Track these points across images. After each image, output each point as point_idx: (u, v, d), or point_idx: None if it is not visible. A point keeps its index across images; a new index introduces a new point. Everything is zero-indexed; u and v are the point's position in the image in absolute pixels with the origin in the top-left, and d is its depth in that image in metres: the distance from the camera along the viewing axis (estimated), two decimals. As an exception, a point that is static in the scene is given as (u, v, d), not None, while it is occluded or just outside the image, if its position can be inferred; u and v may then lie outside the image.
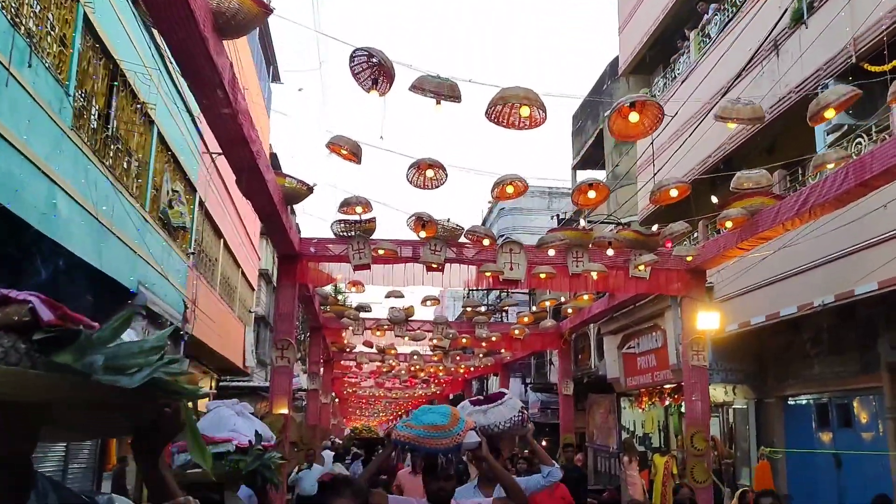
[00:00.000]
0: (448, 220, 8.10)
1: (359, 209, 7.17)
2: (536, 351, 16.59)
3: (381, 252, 7.80)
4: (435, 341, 13.24)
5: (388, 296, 10.25)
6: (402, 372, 20.24)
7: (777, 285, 10.07)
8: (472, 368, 18.69)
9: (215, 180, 16.09)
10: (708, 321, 8.40)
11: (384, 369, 18.98)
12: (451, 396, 31.97)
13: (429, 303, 10.46)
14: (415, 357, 17.85)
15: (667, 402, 13.80)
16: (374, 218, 8.02)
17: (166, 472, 1.57)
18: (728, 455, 13.55)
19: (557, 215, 18.64)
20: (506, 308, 19.30)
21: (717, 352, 11.99)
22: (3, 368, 1.14)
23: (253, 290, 24.26)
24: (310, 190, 7.06)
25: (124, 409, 1.40)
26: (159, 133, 11.76)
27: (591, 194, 6.96)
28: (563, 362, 14.04)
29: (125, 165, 10.51)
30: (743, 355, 11.88)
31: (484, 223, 36.87)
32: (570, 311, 13.76)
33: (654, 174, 10.32)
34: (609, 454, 16.30)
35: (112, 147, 9.96)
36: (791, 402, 11.47)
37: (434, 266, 8.12)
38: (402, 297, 10.18)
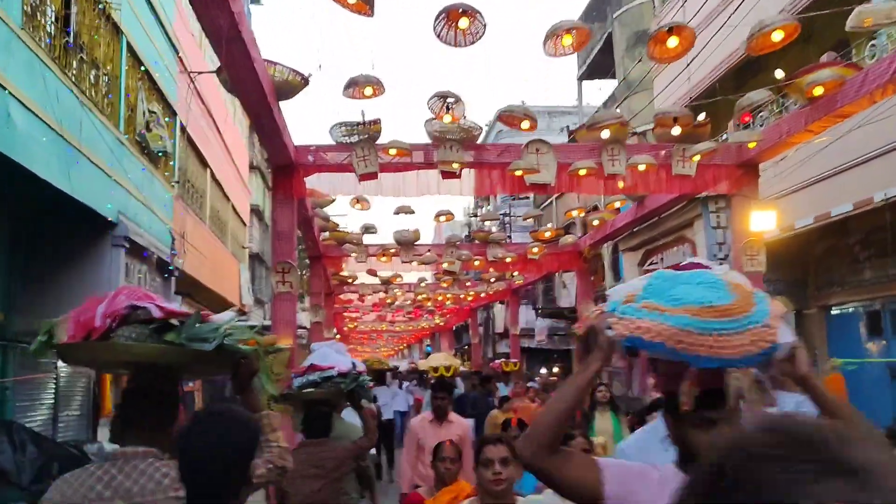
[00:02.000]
0: (464, 118, 7.01)
1: (368, 90, 6.04)
2: (552, 272, 15.65)
3: (391, 153, 6.72)
4: (445, 265, 12.26)
5: (396, 212, 9.20)
6: (407, 302, 19.36)
7: (827, 182, 9.08)
8: (481, 294, 17.78)
9: (196, 104, 14.85)
10: (763, 221, 7.41)
11: (388, 300, 18.07)
12: (454, 328, 31.32)
13: (442, 218, 9.42)
14: (421, 285, 16.92)
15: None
16: (379, 120, 6.92)
17: (252, 395, 2.69)
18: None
19: (567, 127, 17.45)
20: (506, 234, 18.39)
21: (753, 261, 11.07)
22: (139, 344, 2.35)
23: (245, 225, 23.19)
24: (305, 81, 5.95)
25: (214, 361, 2.52)
26: (129, 45, 10.51)
27: (673, 42, 5.78)
28: (584, 282, 13.11)
29: (92, 79, 9.32)
30: (781, 263, 10.95)
31: (481, 149, 35.62)
32: (594, 223, 12.80)
33: (689, 63, 9.17)
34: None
35: (76, 56, 8.76)
36: (835, 312, 10.61)
37: (451, 171, 7.06)
38: (413, 212, 9.15)
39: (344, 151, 7.09)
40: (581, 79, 19.19)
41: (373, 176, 7.10)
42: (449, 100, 6.36)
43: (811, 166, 8.96)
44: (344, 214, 16.45)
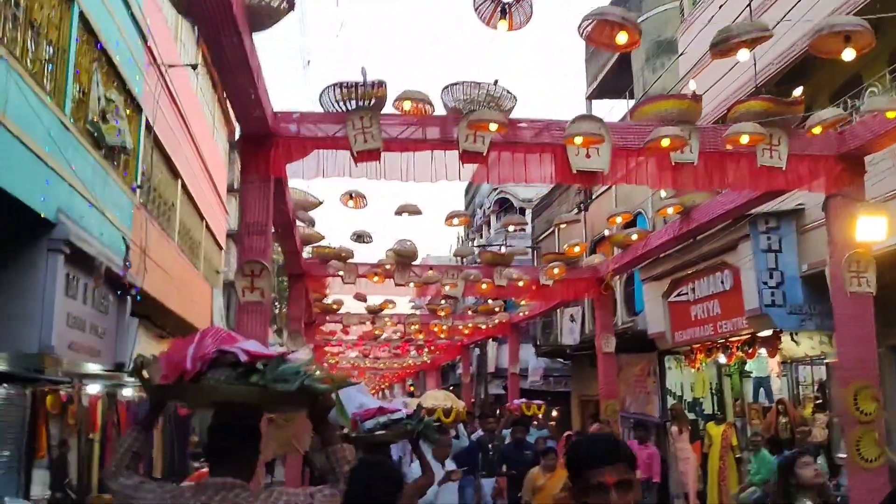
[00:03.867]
0: (496, 83, 5.40)
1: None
2: (566, 302, 13.94)
3: (406, 107, 5.05)
4: (447, 288, 10.55)
5: (399, 212, 7.49)
6: (396, 335, 17.57)
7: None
8: (482, 326, 16.02)
9: (168, 105, 13.19)
10: (871, 229, 5.79)
11: (375, 332, 16.28)
12: (441, 366, 29.44)
13: (456, 220, 7.70)
14: (416, 313, 15.18)
15: (735, 359, 11.27)
16: (385, 83, 5.27)
17: (330, 429, 2.96)
18: (802, 421, 11.10)
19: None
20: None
21: (810, 291, 9.47)
22: (228, 387, 2.60)
23: (221, 249, 21.36)
24: (290, 6, 4.33)
25: (294, 400, 2.81)
26: (82, 15, 8.85)
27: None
28: (603, 313, 11.43)
29: (31, 44, 7.65)
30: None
31: (468, 188, 34.13)
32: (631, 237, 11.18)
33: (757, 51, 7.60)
34: (643, 425, 13.78)
35: (7, 7, 7.08)
36: (907, 353, 8.99)
37: (476, 150, 5.45)
38: (419, 212, 7.44)
39: (336, 123, 5.43)
40: (590, 98, 17.77)
41: (374, 156, 5.43)
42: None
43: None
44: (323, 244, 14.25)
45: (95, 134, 9.57)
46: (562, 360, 22.89)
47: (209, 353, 2.62)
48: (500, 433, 10.74)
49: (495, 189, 29.25)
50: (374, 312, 15.51)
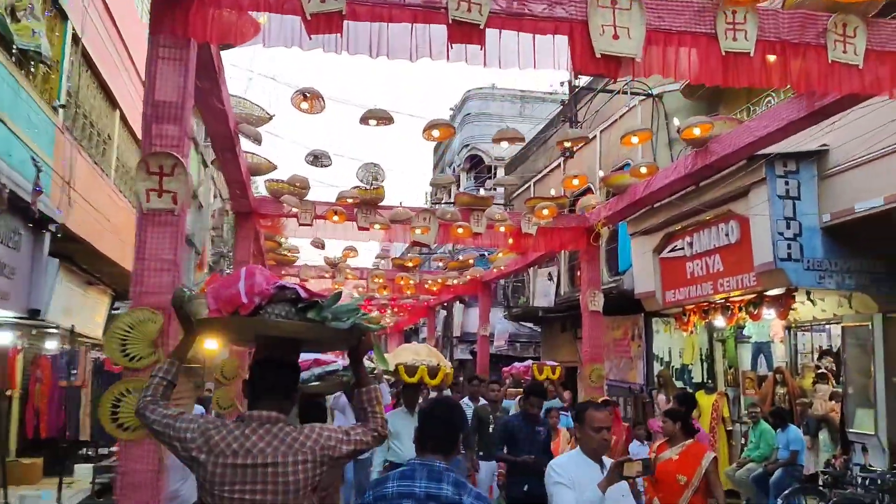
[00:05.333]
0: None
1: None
2: (545, 257, 12.67)
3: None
4: (418, 232, 9.19)
5: (364, 119, 5.92)
6: (357, 292, 16.19)
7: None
8: (451, 283, 14.71)
9: (104, 20, 11.51)
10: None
11: (335, 286, 14.87)
12: (404, 330, 28.17)
13: (436, 133, 6.21)
14: (377, 270, 13.83)
15: (735, 321, 10.15)
16: None
17: (363, 369, 3.01)
18: (802, 393, 10.07)
19: (570, 82, 14.61)
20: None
21: (831, 245, 8.35)
22: (286, 321, 2.74)
23: (170, 196, 19.70)
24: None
25: (344, 337, 2.90)
26: None
27: None
28: (591, 267, 10.16)
29: None
30: (869, 250, 8.27)
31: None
32: (591, 202, 9.88)
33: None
34: (631, 393, 12.70)
35: None
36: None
37: (473, 22, 4.09)
38: (390, 121, 5.93)
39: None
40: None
41: (334, 23, 4.02)
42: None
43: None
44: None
45: (2, 32, 7.98)
46: (531, 325, 21.82)
47: (268, 289, 2.73)
48: (501, 404, 8.80)
49: (466, 146, 27.86)
50: (334, 265, 14.13)
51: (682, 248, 10.57)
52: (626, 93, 12.36)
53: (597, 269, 10.35)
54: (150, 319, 3.73)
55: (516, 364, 10.89)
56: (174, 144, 3.88)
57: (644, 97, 12.35)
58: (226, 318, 2.75)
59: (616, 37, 4.29)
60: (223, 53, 5.28)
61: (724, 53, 4.41)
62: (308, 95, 5.63)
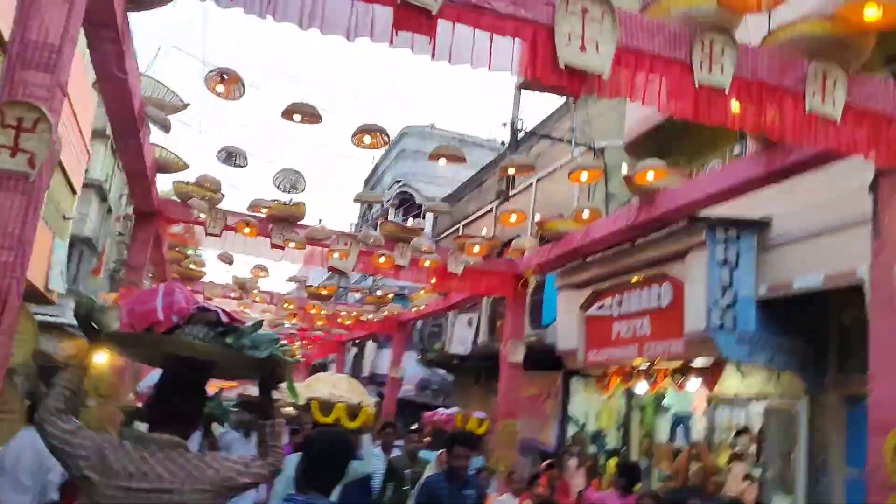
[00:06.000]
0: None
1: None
2: (467, 301, 12.10)
3: None
4: (335, 256, 8.48)
5: (287, 114, 5.21)
6: (265, 317, 15.23)
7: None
8: (366, 319, 13.93)
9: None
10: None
11: (242, 308, 13.91)
12: (311, 364, 27.01)
13: (367, 139, 5.55)
14: (289, 294, 12.96)
15: (658, 388, 9.73)
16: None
17: (274, 402, 2.92)
18: (716, 470, 9.68)
19: (513, 124, 14.25)
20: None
21: (765, 318, 8.04)
22: (202, 344, 2.65)
23: (74, 193, 18.30)
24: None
25: (257, 366, 2.81)
26: None
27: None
28: (515, 316, 9.69)
29: None
30: (802, 330, 7.98)
31: (375, 170, 32.10)
32: (525, 245, 9.38)
33: None
34: (543, 454, 12.10)
35: None
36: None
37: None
38: (317, 118, 5.24)
39: None
40: (521, 87, 16.11)
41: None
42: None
43: None
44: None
45: None
46: (443, 372, 21.16)
47: (187, 308, 2.67)
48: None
49: (398, 182, 27.33)
50: (242, 286, 13.21)
51: (611, 307, 10.15)
52: (569, 142, 12.06)
53: (522, 318, 9.85)
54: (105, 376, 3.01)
55: (440, 411, 9.67)
56: (43, 96, 3.11)
57: (587, 149, 12.07)
58: (139, 333, 2.67)
59: (583, 48, 3.78)
60: (131, 16, 4.54)
61: (697, 86, 3.96)
62: (226, 77, 4.94)
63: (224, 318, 2.70)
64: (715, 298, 7.94)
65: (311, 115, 5.30)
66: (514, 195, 14.88)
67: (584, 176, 6.48)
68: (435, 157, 6.43)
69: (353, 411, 5.71)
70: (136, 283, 8.37)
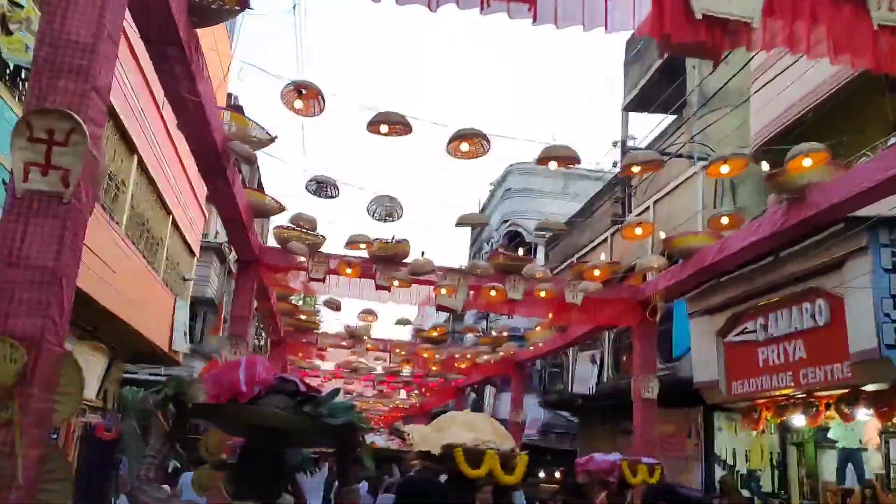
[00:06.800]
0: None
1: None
2: (590, 336, 11.18)
3: None
4: (443, 292, 7.88)
5: (373, 126, 4.62)
6: (378, 366, 14.79)
7: None
8: (482, 361, 13.21)
9: (125, 55, 10.74)
10: None
11: (354, 357, 13.50)
12: (431, 411, 26.44)
13: (465, 146, 4.90)
14: (400, 342, 12.45)
15: (822, 421, 8.48)
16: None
17: (353, 468, 3.00)
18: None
19: (623, 142, 13.40)
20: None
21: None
22: (283, 413, 2.68)
23: (193, 256, 18.68)
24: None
25: (333, 433, 2.87)
26: None
27: None
28: (645, 347, 8.72)
29: None
30: None
31: (483, 209, 31.64)
32: (652, 264, 8.44)
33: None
34: (687, 501, 10.90)
35: None
36: None
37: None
38: (407, 129, 4.66)
39: None
40: (627, 109, 15.24)
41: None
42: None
43: None
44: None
45: (-15, 39, 7.09)
46: (566, 415, 20.08)
47: (268, 378, 2.76)
48: None
49: (506, 221, 26.71)
50: (354, 335, 12.81)
51: (754, 331, 9.03)
52: (689, 157, 11.09)
53: (652, 349, 8.87)
54: (4, 358, 2.44)
55: (595, 457, 7.80)
56: (75, 103, 2.65)
57: (708, 163, 11.03)
58: (223, 404, 2.72)
59: (726, -6, 3.02)
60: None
61: (876, 27, 3.11)
62: (304, 92, 4.46)
63: (302, 388, 2.79)
64: (886, 311, 6.79)
65: (398, 123, 4.75)
66: (639, 183, 13.90)
67: (724, 168, 5.56)
68: (544, 160, 5.71)
69: (508, 462, 4.44)
70: (241, 335, 8.03)
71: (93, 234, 10.29)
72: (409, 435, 4.51)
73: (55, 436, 11.41)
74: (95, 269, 10.49)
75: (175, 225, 15.93)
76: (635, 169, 5.96)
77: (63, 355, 2.65)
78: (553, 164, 5.69)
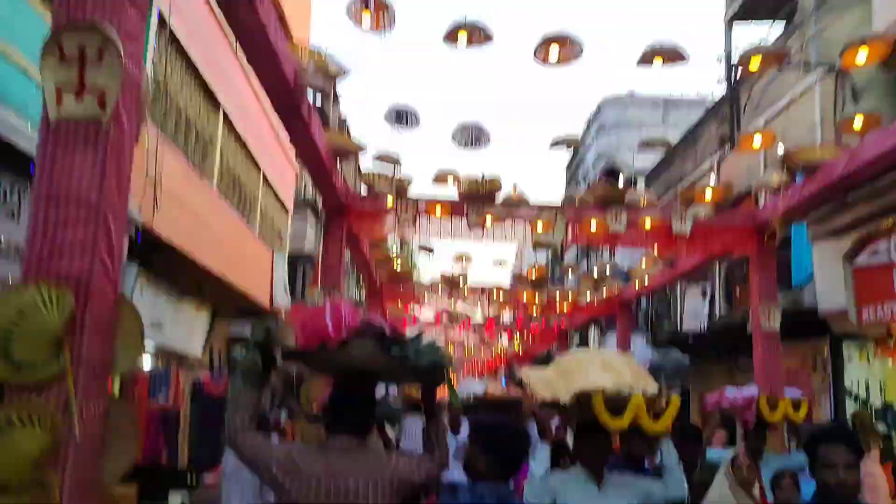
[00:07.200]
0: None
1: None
2: (707, 262, 10.37)
3: None
4: (539, 228, 7.42)
5: (449, 36, 4.36)
6: (478, 313, 14.52)
7: None
8: (584, 302, 12.71)
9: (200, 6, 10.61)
10: None
11: (452, 304, 13.26)
12: (536, 356, 26.19)
13: (555, 49, 4.45)
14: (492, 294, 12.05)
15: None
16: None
17: (436, 403, 3.11)
18: None
19: (727, 56, 12.36)
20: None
21: None
22: (373, 357, 2.78)
23: (287, 212, 18.81)
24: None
25: (420, 374, 2.98)
26: None
27: None
28: (766, 276, 8.03)
29: None
30: None
31: (576, 151, 30.66)
32: (772, 181, 7.66)
33: None
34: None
35: None
36: None
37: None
38: (489, 38, 4.33)
39: None
40: (731, 21, 14.04)
41: None
42: None
43: None
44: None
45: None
46: (677, 354, 19.34)
47: (355, 322, 2.79)
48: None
49: (601, 158, 25.73)
50: (451, 281, 12.54)
51: (888, 252, 8.17)
52: (806, 64, 10.05)
53: (771, 278, 8.17)
54: (50, 303, 2.18)
55: (727, 391, 6.14)
56: (104, 15, 2.32)
57: (826, 70, 9.98)
58: (314, 349, 2.79)
59: None
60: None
61: None
62: (371, 4, 4.04)
63: (389, 332, 2.83)
64: None
65: (479, 33, 4.28)
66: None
67: (861, 56, 4.79)
68: (648, 58, 5.10)
69: (652, 406, 3.74)
70: (334, 286, 7.83)
71: (186, 192, 10.35)
72: (527, 381, 3.93)
73: (165, 391, 11.75)
74: (190, 227, 10.57)
75: (266, 181, 16.00)
76: (754, 66, 5.25)
77: (119, 300, 2.38)
78: (657, 63, 5.06)
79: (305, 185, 19.35)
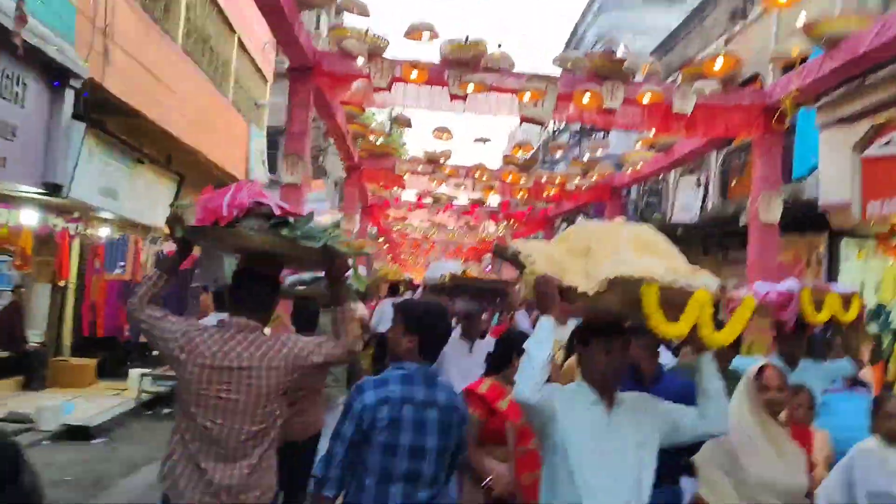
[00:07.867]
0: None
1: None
2: (706, 147, 9.66)
3: None
4: (527, 97, 6.67)
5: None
6: (462, 195, 13.87)
7: None
8: (573, 187, 12.03)
9: None
10: None
11: (435, 185, 12.57)
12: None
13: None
14: (478, 171, 11.35)
15: None
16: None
17: (344, 289, 3.05)
18: None
19: None
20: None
21: None
22: (258, 235, 2.77)
23: (266, 81, 17.72)
24: None
25: (314, 257, 2.93)
26: None
27: None
28: (769, 161, 7.39)
29: None
30: None
31: (575, 31, 29.21)
32: (789, 52, 6.88)
33: None
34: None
35: None
36: None
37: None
38: None
39: None
40: None
41: None
42: None
43: None
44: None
45: None
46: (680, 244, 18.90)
47: (245, 202, 2.80)
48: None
49: (600, 41, 24.41)
50: (433, 159, 11.80)
51: (891, 144, 7.48)
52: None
53: (775, 165, 7.55)
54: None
55: (757, 286, 5.00)
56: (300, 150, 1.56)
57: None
58: (205, 227, 2.80)
59: None
60: None
61: None
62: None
63: (276, 211, 2.81)
64: None
65: None
66: (751, 23, 11.96)
67: None
68: None
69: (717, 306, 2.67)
70: (299, 153, 7.12)
71: (143, 47, 9.43)
72: (529, 259, 2.60)
73: (122, 264, 11.21)
74: (149, 87, 9.72)
75: (242, 46, 14.91)
76: None
77: None
78: None
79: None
